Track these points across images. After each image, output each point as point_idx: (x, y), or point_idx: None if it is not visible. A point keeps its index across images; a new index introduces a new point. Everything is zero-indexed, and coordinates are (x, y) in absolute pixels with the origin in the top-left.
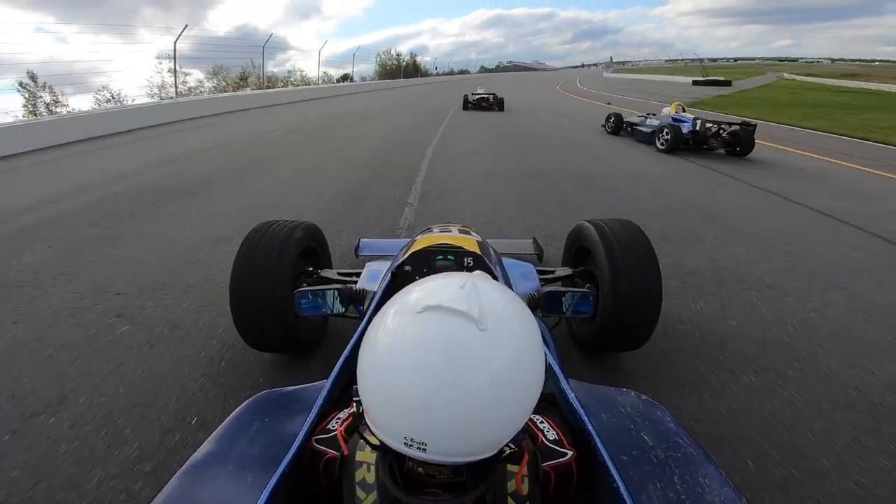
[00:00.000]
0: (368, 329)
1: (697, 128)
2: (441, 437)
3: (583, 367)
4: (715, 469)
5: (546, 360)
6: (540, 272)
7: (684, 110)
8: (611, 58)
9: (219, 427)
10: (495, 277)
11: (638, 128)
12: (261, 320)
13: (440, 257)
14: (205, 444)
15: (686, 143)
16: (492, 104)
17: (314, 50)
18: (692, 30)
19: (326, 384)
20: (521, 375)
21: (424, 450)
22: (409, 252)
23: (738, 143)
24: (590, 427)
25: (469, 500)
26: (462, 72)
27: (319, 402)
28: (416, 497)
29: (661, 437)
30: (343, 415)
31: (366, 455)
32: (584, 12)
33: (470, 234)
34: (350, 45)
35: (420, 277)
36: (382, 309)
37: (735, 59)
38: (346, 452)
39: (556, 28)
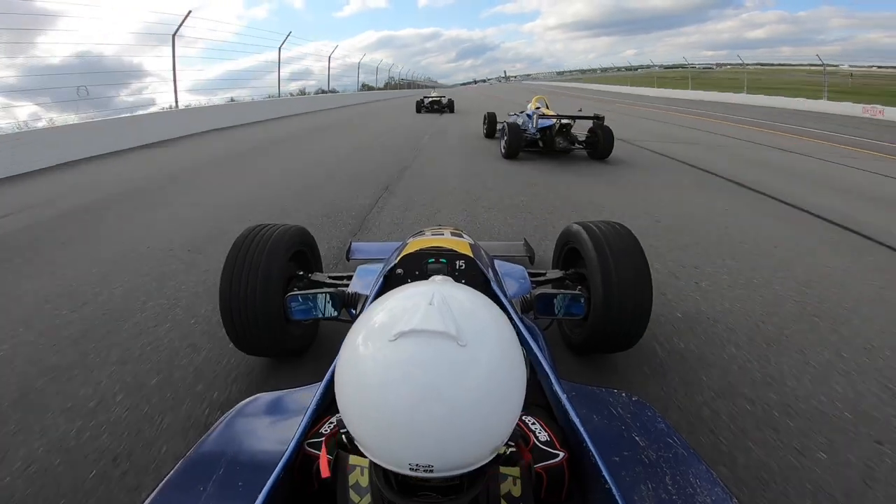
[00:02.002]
0: (342, 363)
1: (534, 124)
2: (445, 457)
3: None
4: (706, 469)
5: (539, 363)
6: (531, 274)
7: (547, 106)
8: (504, 72)
9: (209, 431)
10: (487, 280)
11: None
12: (252, 325)
13: (432, 260)
14: (195, 448)
15: (534, 145)
16: (444, 106)
17: (177, 79)
18: (557, 44)
19: (319, 388)
20: (508, 376)
21: (432, 471)
22: (401, 255)
23: (595, 143)
24: (581, 428)
25: (463, 502)
26: (328, 91)
27: (312, 405)
28: (410, 500)
29: (652, 438)
30: (335, 419)
31: (359, 458)
32: (465, 31)
33: (462, 237)
34: (221, 70)
35: (412, 280)
36: (350, 338)
37: (629, 69)
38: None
39: (441, 47)
